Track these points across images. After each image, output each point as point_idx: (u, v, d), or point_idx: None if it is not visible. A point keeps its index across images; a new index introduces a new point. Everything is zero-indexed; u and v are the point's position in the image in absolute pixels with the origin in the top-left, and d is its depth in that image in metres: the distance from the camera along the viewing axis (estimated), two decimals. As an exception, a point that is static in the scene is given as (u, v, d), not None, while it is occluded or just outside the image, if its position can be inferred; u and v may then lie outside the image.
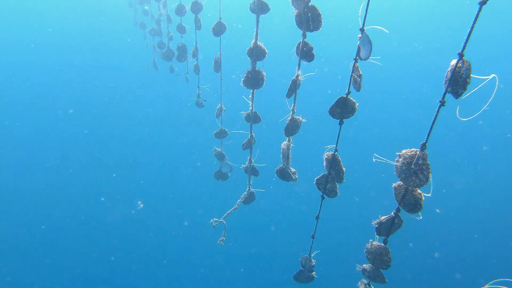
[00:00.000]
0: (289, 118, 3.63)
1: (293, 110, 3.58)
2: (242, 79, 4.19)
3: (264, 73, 4.17)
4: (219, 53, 5.18)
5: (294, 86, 3.42)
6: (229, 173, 6.31)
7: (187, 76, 7.23)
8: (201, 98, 6.56)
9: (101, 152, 18.24)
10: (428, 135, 2.25)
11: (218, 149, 6.07)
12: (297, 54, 3.27)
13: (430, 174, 2.30)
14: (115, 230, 15.86)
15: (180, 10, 6.32)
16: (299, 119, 3.65)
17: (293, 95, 3.48)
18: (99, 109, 19.69)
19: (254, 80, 4.15)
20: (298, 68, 3.35)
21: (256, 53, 3.99)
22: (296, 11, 3.10)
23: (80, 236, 15.48)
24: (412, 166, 2.34)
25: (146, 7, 9.02)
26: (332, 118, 2.97)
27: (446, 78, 1.95)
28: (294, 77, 3.38)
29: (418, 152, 2.31)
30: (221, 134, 5.84)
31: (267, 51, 4.05)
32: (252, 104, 4.48)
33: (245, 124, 4.91)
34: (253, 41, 3.96)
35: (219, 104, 5.64)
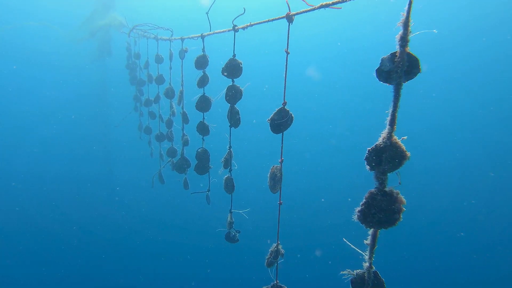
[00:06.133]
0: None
1: None
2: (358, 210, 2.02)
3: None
4: (279, 162, 3.11)
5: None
6: None
7: (209, 194, 5.07)
8: (234, 229, 4.26)
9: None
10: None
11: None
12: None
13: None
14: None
15: (204, 104, 4.52)
16: None
17: None
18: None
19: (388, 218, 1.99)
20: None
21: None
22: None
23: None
24: None
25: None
26: None
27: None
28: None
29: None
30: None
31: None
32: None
33: None
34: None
35: (274, 244, 3.33)
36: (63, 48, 15.60)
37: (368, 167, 2.05)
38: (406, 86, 1.98)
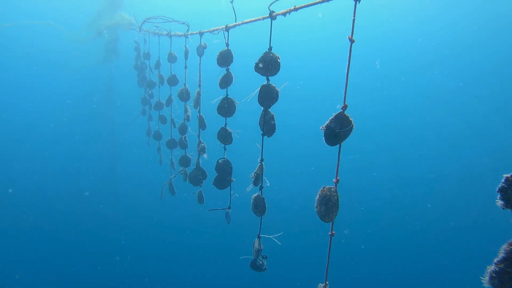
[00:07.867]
0: None
1: None
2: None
3: None
4: (333, 182, 2.44)
5: None
6: None
7: (229, 211, 4.40)
8: (261, 256, 3.58)
9: None
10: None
11: None
12: None
13: None
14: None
15: (228, 108, 3.87)
16: None
17: None
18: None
19: None
20: None
21: None
22: None
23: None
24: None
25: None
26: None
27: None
28: None
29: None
30: None
31: None
32: None
33: None
34: None
35: (322, 285, 2.66)
36: (68, 48, 15.11)
37: (501, 203, 1.38)
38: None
